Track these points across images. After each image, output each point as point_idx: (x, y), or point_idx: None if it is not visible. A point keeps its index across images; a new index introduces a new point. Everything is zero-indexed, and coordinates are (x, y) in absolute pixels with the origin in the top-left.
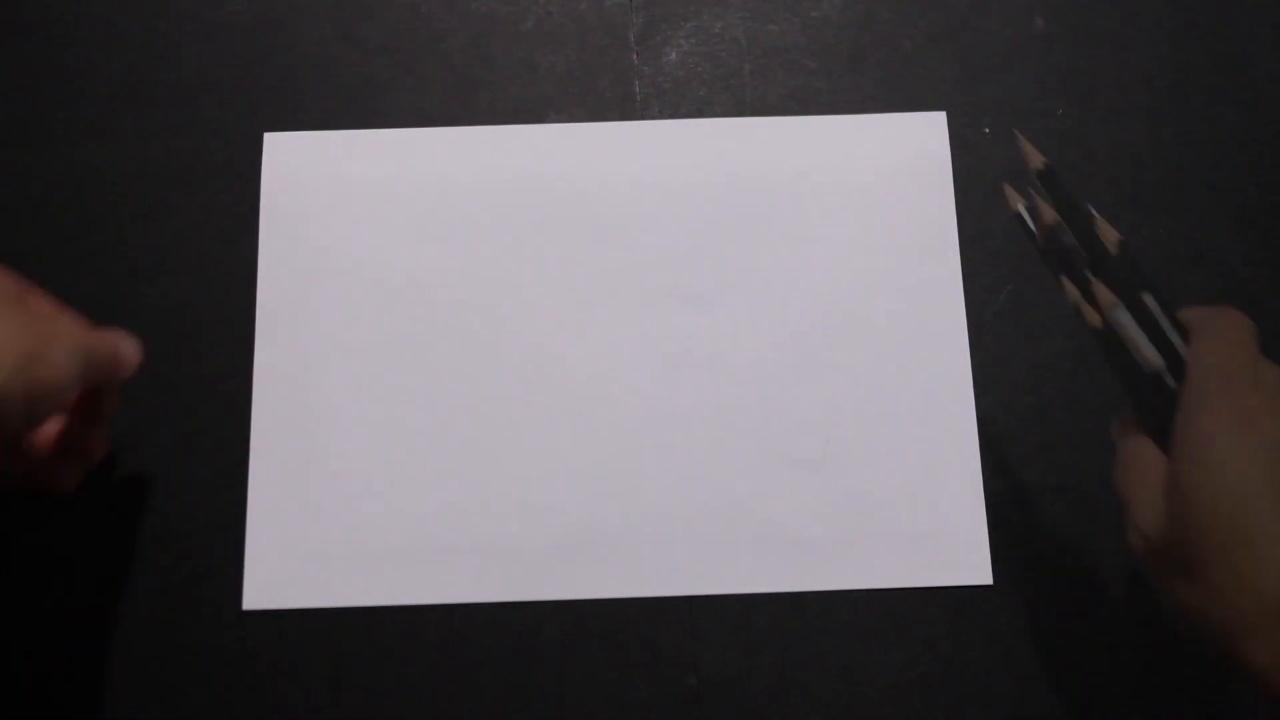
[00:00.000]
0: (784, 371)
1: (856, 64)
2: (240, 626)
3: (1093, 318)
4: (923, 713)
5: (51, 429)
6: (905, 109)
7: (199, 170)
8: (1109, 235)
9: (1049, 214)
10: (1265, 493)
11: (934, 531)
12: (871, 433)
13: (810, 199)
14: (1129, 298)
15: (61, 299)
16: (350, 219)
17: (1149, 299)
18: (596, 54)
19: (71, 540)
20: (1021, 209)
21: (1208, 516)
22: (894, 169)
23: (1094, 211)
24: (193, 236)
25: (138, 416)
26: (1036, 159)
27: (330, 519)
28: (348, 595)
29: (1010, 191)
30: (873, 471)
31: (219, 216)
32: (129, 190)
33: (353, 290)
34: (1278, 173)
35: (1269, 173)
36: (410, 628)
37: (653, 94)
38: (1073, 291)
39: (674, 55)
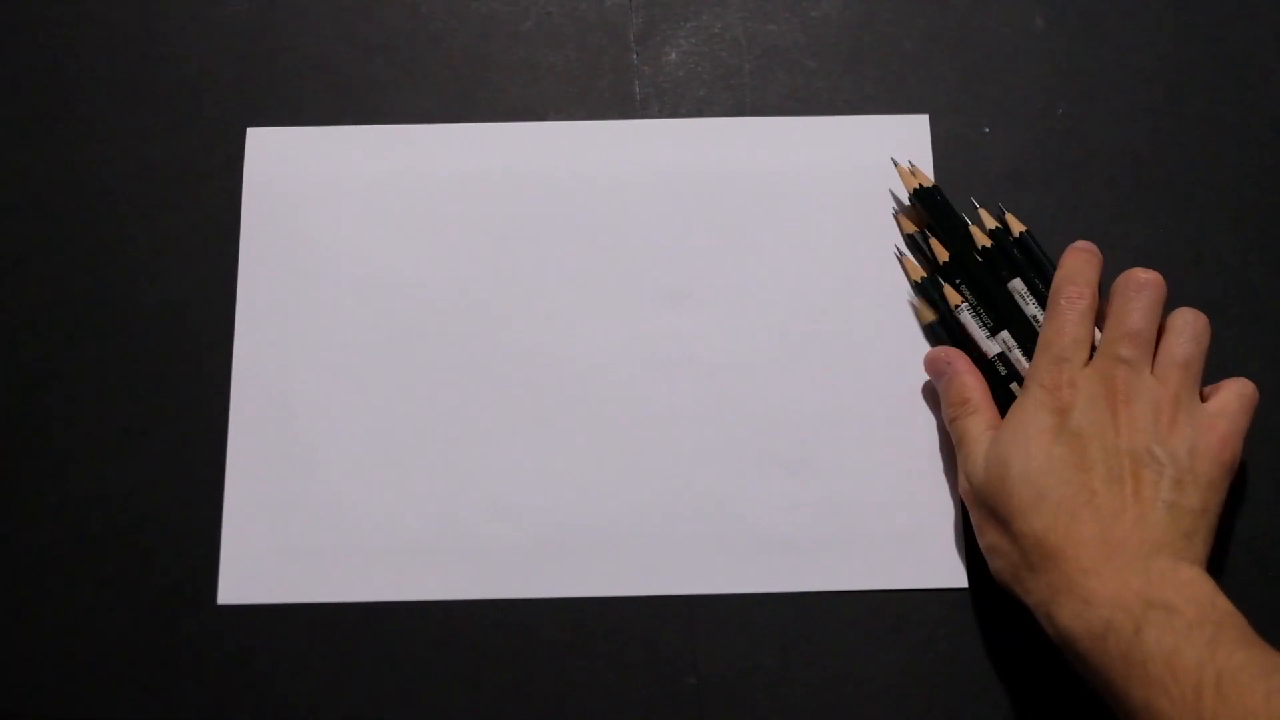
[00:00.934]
0: (773, 370)
1: (856, 64)
2: (216, 620)
3: (927, 316)
4: (923, 713)
5: None
6: (905, 109)
7: (199, 171)
8: (980, 235)
9: (908, 225)
10: (1061, 469)
11: (919, 532)
12: (859, 432)
13: (795, 199)
14: (995, 288)
15: (61, 298)
16: (332, 214)
17: (1017, 283)
18: (596, 54)
19: (54, 537)
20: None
21: (1018, 484)
22: (877, 170)
23: (966, 219)
24: (192, 235)
25: (129, 413)
26: (911, 182)
27: (309, 514)
28: (325, 591)
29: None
30: (860, 471)
31: (219, 216)
32: (127, 190)
33: (334, 285)
34: (1278, 173)
35: (1269, 173)
36: (402, 625)
37: (652, 94)
38: (915, 270)
39: (674, 55)
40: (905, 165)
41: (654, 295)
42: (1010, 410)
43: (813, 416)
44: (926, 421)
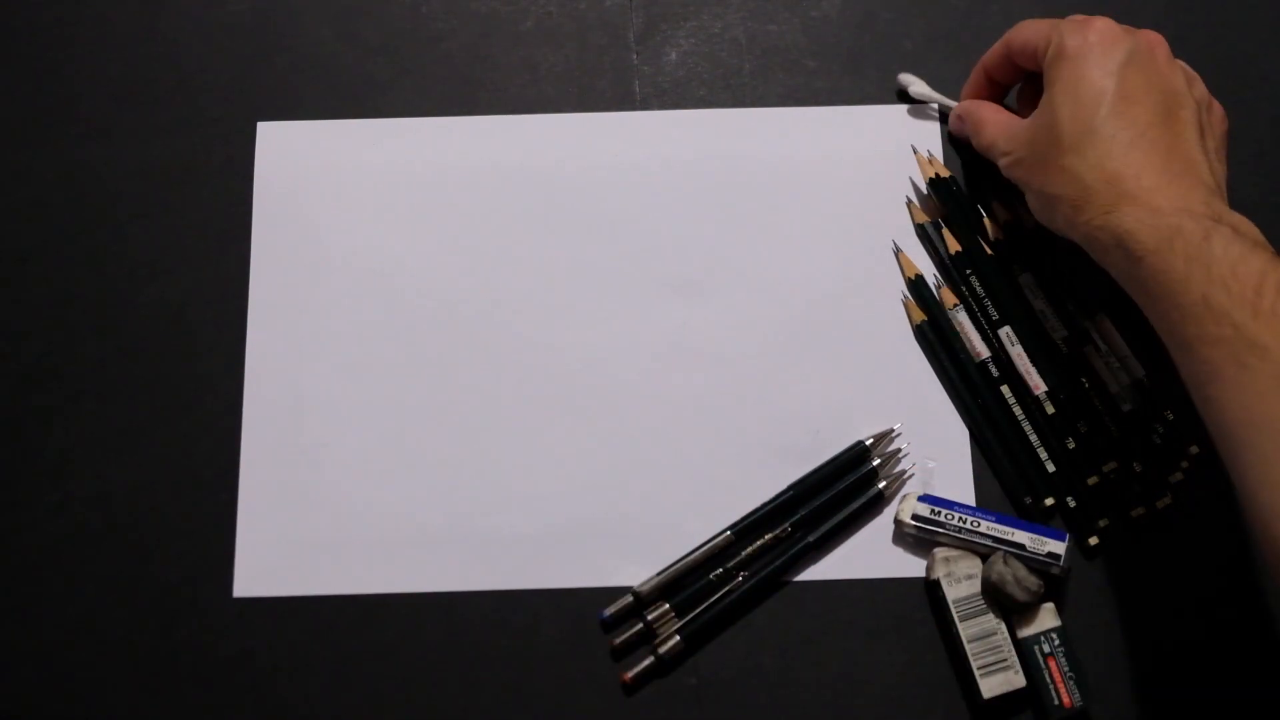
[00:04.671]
0: (777, 361)
1: (856, 64)
2: (219, 617)
3: (917, 316)
4: (923, 713)
5: None
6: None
7: (198, 171)
8: (993, 227)
9: (920, 214)
10: (1112, 99)
11: None
12: (864, 424)
13: (802, 189)
14: (1005, 280)
15: (62, 298)
16: (342, 207)
17: (1027, 277)
18: (596, 54)
19: (69, 531)
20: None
21: (1068, 120)
22: (886, 160)
23: (981, 211)
24: (192, 234)
25: (131, 412)
26: (929, 171)
27: (322, 507)
28: (337, 583)
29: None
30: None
31: (218, 215)
32: (128, 190)
33: (344, 279)
34: (1278, 172)
35: (1269, 173)
36: (407, 618)
37: (652, 94)
38: (910, 268)
39: (674, 55)
40: (925, 154)
41: (663, 286)
42: (1050, 70)
43: (822, 406)
44: (937, 411)
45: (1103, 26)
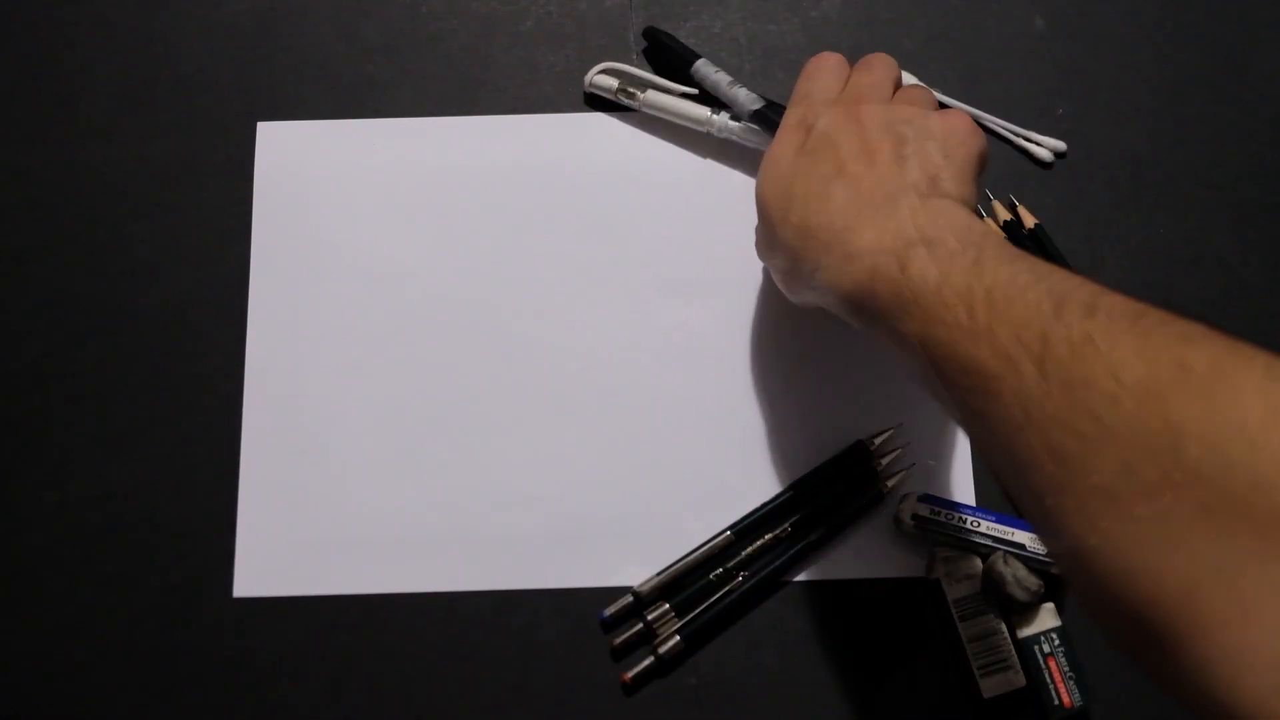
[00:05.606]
0: (777, 361)
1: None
2: (232, 613)
3: None
4: (923, 712)
5: None
6: None
7: (198, 171)
8: (993, 227)
9: None
10: (807, 166)
11: None
12: (864, 424)
13: None
14: None
15: (62, 298)
16: (342, 207)
17: None
18: (596, 54)
19: (69, 531)
20: None
21: (772, 200)
22: None
23: (981, 211)
24: (192, 234)
25: (131, 412)
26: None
27: (322, 507)
28: (339, 583)
29: None
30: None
31: (218, 215)
32: (128, 190)
33: (344, 279)
34: (1278, 173)
35: (1269, 173)
36: (407, 618)
37: None
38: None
39: None
40: None
41: (663, 286)
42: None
43: (822, 406)
44: (934, 410)
45: (810, 108)
